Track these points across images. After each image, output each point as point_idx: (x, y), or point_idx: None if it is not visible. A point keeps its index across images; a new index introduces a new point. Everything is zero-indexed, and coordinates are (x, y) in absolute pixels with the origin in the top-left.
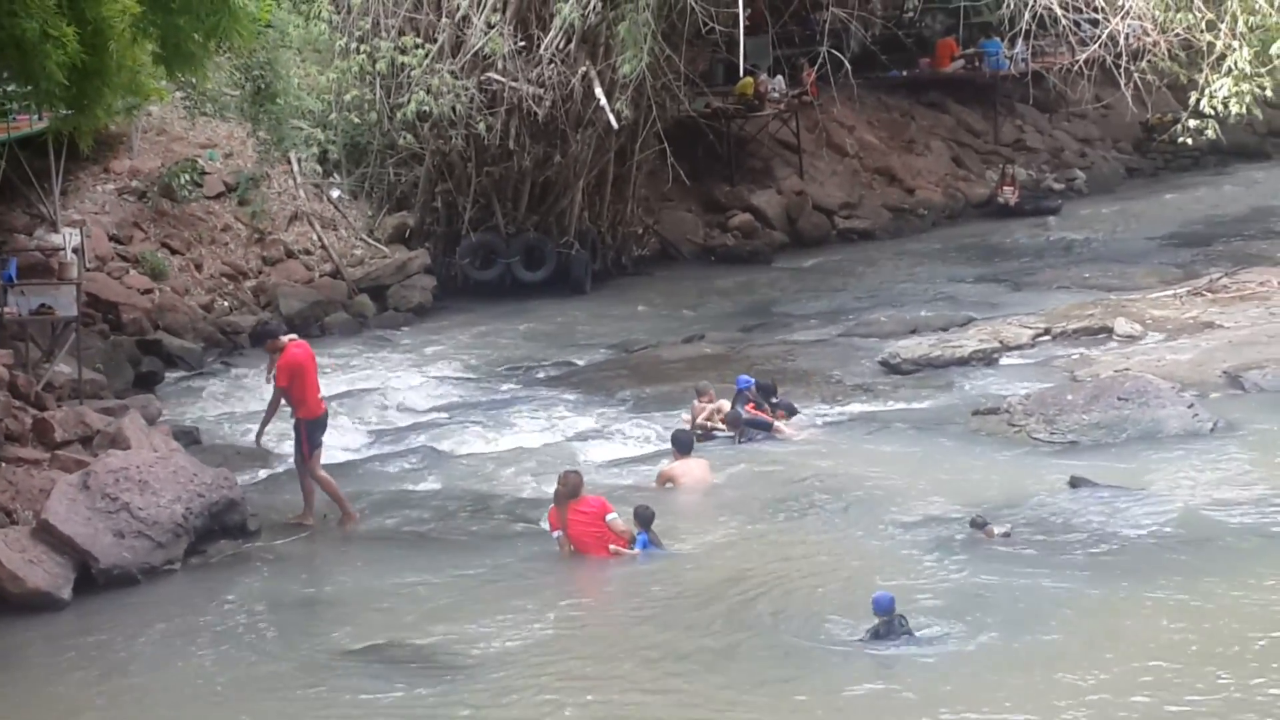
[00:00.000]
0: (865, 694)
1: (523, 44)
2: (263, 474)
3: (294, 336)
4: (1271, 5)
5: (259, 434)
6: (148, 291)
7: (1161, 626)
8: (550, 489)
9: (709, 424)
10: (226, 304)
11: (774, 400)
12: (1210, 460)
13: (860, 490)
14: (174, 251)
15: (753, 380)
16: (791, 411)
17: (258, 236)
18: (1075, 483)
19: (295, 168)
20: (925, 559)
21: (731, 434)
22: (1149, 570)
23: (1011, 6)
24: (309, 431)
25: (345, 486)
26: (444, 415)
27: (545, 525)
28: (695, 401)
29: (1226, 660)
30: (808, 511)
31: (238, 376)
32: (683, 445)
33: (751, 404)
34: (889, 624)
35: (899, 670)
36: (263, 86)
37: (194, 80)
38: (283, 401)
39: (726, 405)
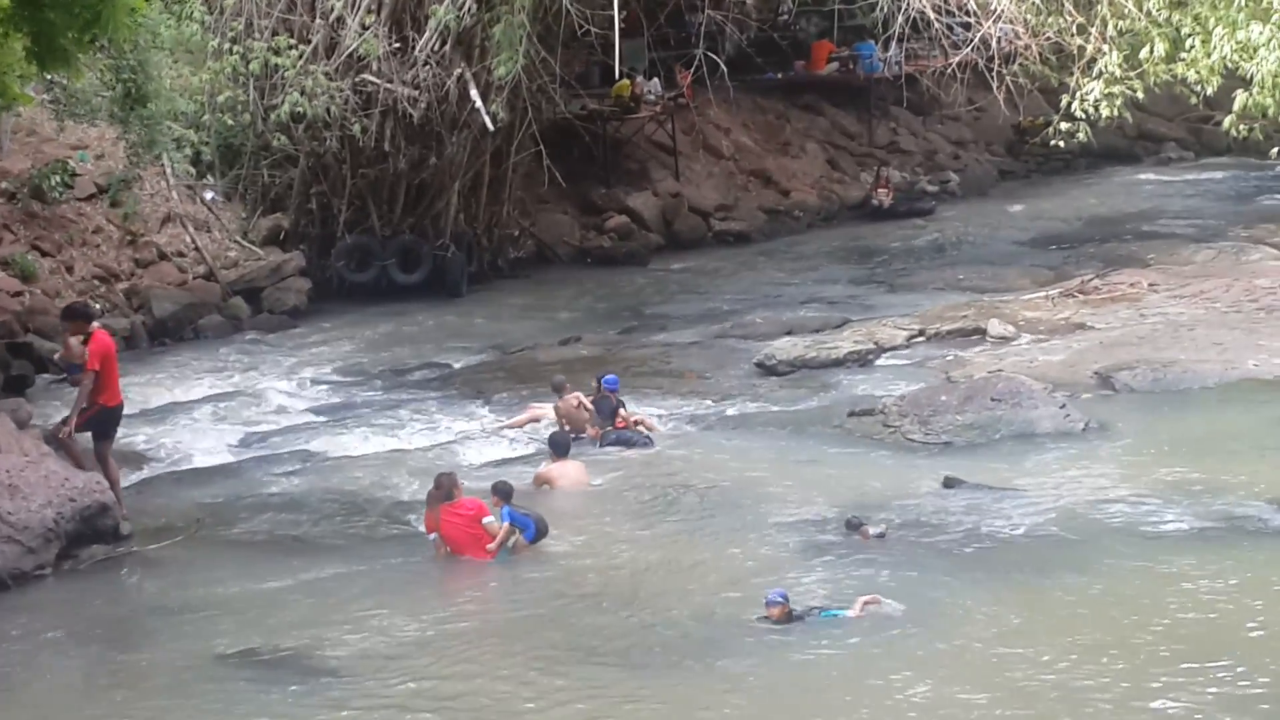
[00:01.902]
0: (742, 690)
1: (397, 45)
2: (135, 478)
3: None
4: (1140, 10)
5: (76, 421)
6: (17, 294)
7: (1034, 623)
8: (426, 491)
9: (585, 412)
10: (99, 306)
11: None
12: (1082, 460)
13: (736, 491)
14: (44, 254)
15: (617, 379)
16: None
17: (130, 239)
18: (949, 483)
19: (168, 169)
20: (801, 559)
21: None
22: (1022, 569)
23: (885, 10)
24: (105, 417)
25: (221, 490)
26: (319, 418)
27: (422, 528)
28: (558, 401)
29: (1098, 655)
30: (684, 512)
31: None
32: (559, 447)
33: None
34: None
35: (775, 668)
36: (133, 90)
37: (66, 78)
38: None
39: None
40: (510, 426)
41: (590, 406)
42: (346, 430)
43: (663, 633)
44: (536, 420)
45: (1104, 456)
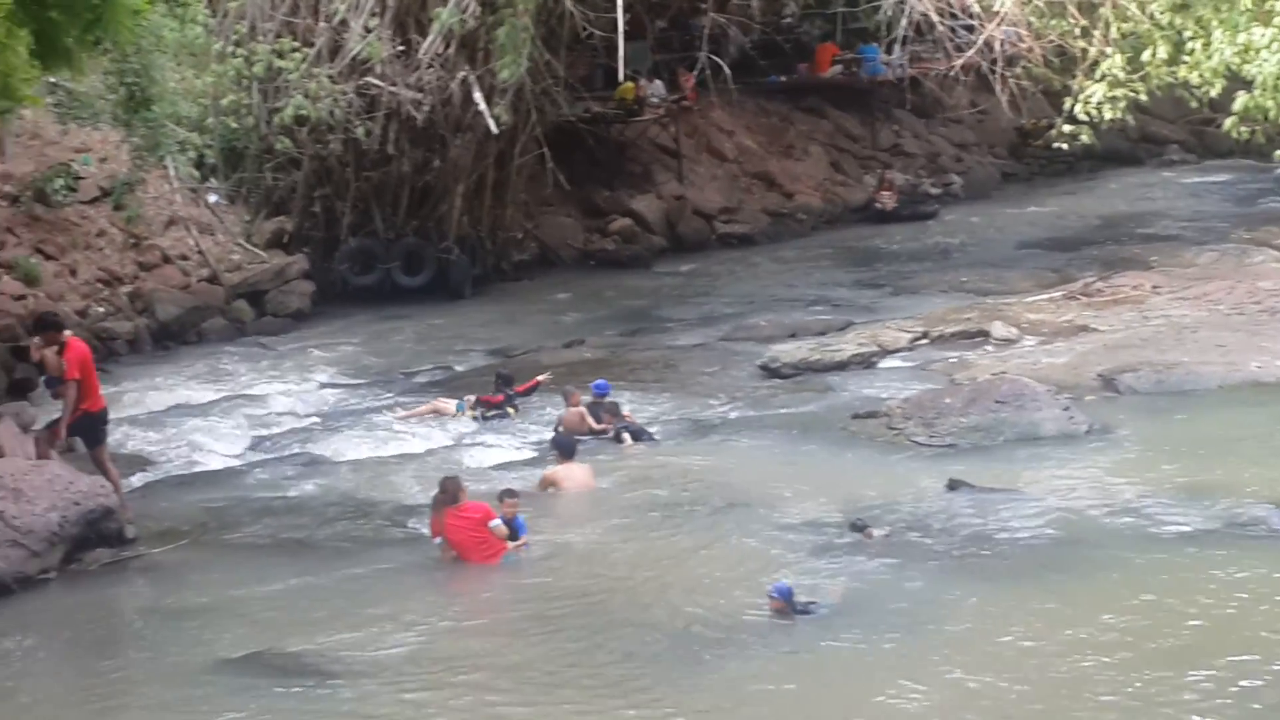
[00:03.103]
0: (753, 693)
1: (401, 48)
2: (139, 481)
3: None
4: (1143, 12)
5: (64, 432)
6: (21, 298)
7: (1038, 624)
8: (431, 494)
9: (590, 427)
10: (102, 310)
11: (508, 391)
12: (1085, 462)
13: (741, 494)
14: (48, 257)
15: (608, 384)
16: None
17: (133, 242)
18: (953, 485)
19: (172, 173)
20: (807, 561)
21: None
22: (1025, 571)
23: (889, 13)
24: (90, 423)
25: (226, 493)
26: (324, 421)
27: (427, 531)
28: (567, 407)
29: (1105, 656)
30: (690, 515)
31: (115, 382)
32: (565, 449)
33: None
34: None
35: (785, 670)
36: (136, 93)
37: (69, 80)
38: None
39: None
40: (409, 417)
41: (593, 422)
42: (350, 433)
43: (670, 633)
44: (438, 414)
45: (1107, 459)
